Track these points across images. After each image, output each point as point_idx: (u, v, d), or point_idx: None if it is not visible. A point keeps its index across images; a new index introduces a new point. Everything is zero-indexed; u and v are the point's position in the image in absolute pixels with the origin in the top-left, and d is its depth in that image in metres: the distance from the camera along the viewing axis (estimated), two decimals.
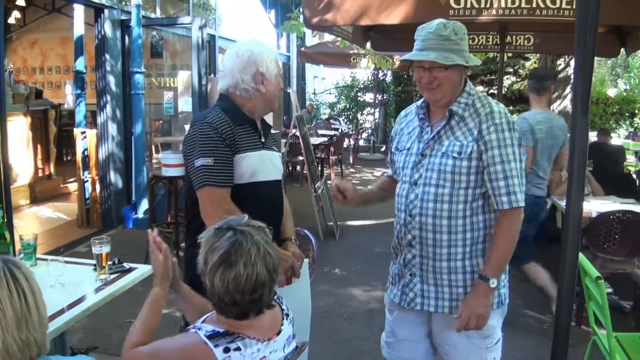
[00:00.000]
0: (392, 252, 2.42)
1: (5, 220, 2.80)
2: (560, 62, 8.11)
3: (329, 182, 9.08)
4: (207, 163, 2.19)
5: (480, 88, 15.04)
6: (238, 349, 1.60)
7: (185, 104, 7.58)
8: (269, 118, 2.61)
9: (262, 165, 2.36)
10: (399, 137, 2.43)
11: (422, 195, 2.21)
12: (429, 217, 2.20)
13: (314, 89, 20.01)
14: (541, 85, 4.47)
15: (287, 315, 1.83)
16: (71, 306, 2.35)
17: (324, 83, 21.49)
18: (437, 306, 2.26)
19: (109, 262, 2.72)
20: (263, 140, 2.41)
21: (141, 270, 2.82)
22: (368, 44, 7.04)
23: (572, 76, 7.99)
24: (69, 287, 2.53)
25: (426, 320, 2.36)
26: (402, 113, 2.51)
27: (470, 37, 7.02)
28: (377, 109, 16.02)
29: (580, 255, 2.61)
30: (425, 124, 2.29)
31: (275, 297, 1.81)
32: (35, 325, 1.36)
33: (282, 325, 1.77)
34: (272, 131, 2.56)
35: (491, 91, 14.47)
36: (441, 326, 2.30)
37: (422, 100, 2.34)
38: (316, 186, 6.90)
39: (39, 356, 1.37)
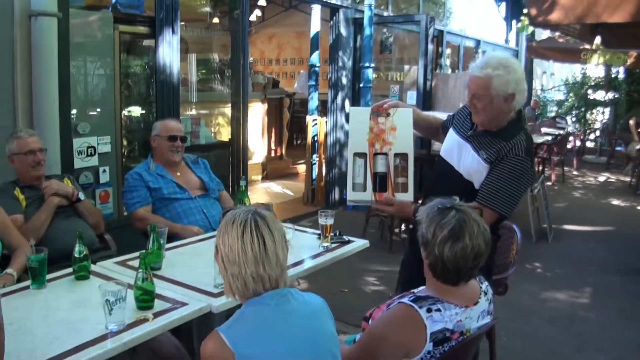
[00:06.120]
0: None
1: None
2: None
3: (547, 182, 8.80)
4: None
5: None
6: (439, 310, 1.89)
7: (410, 98, 7.88)
8: None
9: None
10: None
11: None
12: None
13: (542, 85, 19.01)
14: None
15: (485, 293, 2.06)
16: (294, 265, 2.73)
17: (552, 79, 20.37)
18: None
19: (332, 234, 3.11)
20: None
21: (358, 243, 3.18)
22: (598, 39, 6.74)
23: None
24: (294, 249, 2.96)
25: None
26: None
27: None
28: (608, 109, 14.76)
29: None
30: None
31: (477, 277, 2.06)
32: (272, 265, 1.71)
33: (479, 298, 2.01)
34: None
35: None
36: None
37: None
38: (533, 186, 6.81)
39: (273, 289, 1.72)
